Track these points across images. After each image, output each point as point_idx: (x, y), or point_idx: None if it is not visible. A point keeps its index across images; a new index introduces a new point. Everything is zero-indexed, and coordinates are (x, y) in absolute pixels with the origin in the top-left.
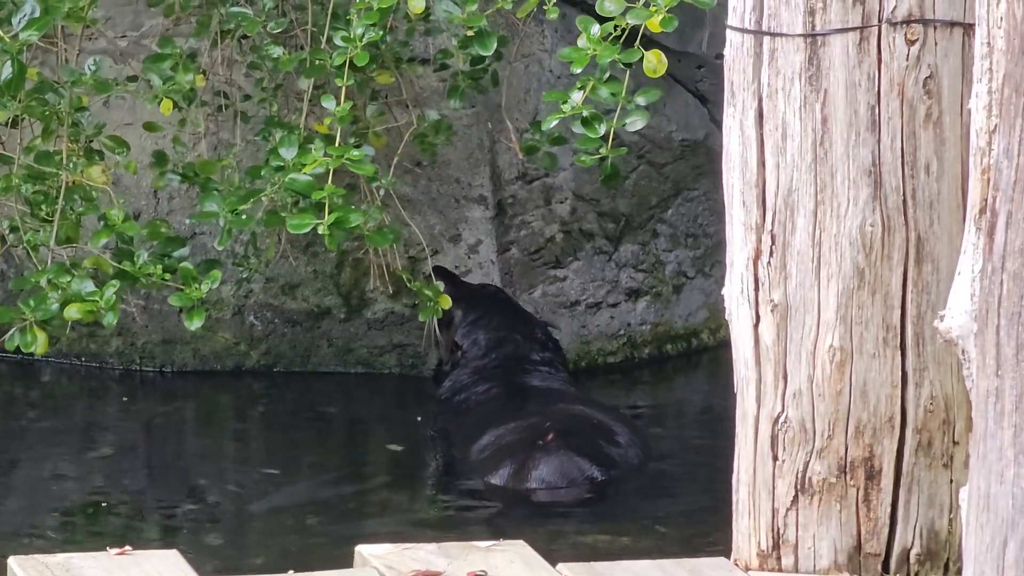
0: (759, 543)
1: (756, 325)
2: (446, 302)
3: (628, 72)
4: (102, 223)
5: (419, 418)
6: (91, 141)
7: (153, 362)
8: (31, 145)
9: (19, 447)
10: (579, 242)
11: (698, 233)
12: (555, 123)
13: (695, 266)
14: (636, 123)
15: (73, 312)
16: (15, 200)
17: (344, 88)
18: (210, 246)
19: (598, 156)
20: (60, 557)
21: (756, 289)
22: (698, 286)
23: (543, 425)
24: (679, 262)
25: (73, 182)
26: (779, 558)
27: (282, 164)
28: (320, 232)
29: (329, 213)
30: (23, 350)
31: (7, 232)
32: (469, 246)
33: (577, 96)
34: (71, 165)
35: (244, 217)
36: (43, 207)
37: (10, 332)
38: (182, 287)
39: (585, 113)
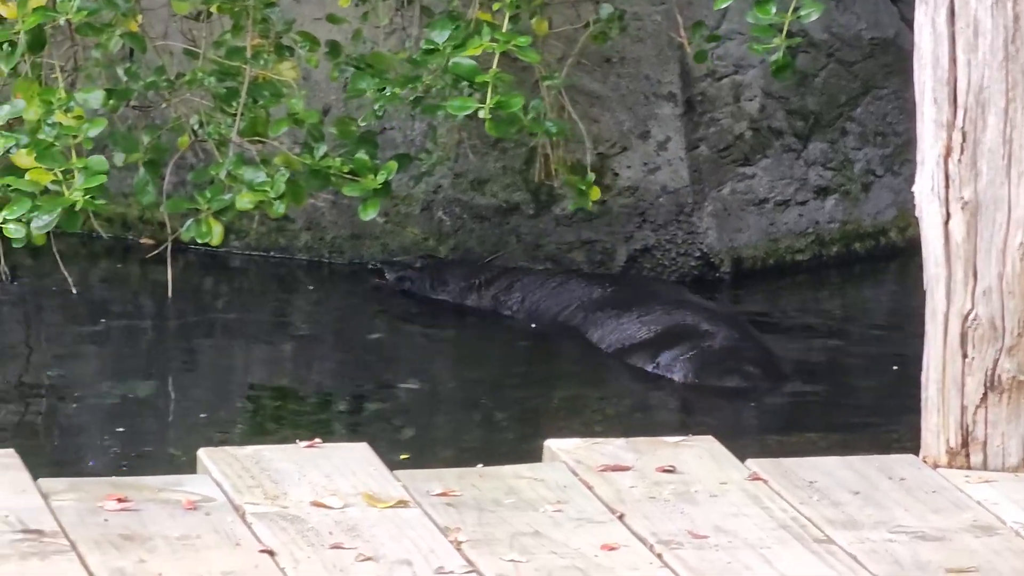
0: (948, 441)
1: (946, 223)
2: (596, 193)
3: None
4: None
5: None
6: (281, 37)
7: (342, 256)
8: (220, 39)
9: (208, 339)
10: (768, 140)
11: (887, 131)
12: (727, 3)
13: (884, 164)
14: (811, 14)
15: (245, 202)
16: (201, 96)
17: None
18: (399, 141)
19: (770, 45)
20: (250, 449)
21: (946, 186)
22: (887, 184)
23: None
24: (868, 160)
25: (263, 78)
26: (968, 456)
27: (433, 47)
28: (481, 116)
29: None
30: (198, 241)
31: (195, 126)
32: (658, 143)
33: None
34: (261, 61)
35: (389, 94)
36: (233, 103)
37: (187, 224)
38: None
39: None
